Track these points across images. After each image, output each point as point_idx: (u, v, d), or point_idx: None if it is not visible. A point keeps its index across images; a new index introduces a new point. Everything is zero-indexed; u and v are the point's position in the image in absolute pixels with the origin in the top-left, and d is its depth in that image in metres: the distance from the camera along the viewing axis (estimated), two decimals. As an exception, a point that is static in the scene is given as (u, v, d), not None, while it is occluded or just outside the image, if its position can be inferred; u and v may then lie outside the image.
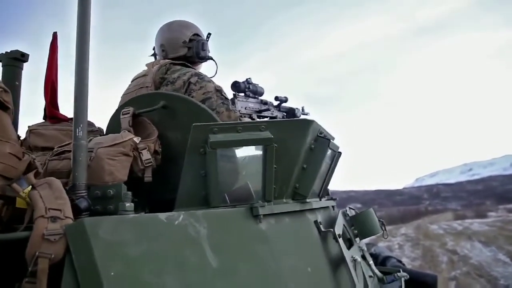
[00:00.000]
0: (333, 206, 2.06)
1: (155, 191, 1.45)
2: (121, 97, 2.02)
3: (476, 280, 9.11)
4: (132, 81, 2.03)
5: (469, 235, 16.37)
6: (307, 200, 1.57)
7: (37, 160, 1.48)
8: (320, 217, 1.69)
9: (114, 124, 1.68)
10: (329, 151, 1.60)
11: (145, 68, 2.01)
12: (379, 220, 1.94)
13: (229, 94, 2.56)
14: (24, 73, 1.75)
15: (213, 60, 2.21)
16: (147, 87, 1.89)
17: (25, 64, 1.74)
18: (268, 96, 2.85)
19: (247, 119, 2.57)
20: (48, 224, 0.84)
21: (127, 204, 1.05)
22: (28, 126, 1.74)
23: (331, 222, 1.71)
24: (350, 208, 2.12)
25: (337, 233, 1.60)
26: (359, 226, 1.83)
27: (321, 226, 1.61)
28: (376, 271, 1.94)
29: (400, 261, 3.05)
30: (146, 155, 1.41)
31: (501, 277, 9.16)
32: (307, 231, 1.56)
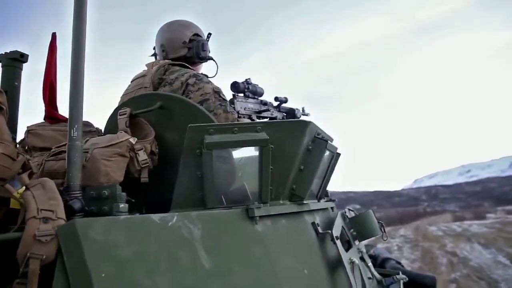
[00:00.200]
0: (332, 208, 2.05)
1: (152, 192, 1.45)
2: (121, 97, 2.02)
3: (477, 283, 9.06)
4: (131, 81, 2.03)
5: (468, 236, 16.36)
6: (305, 202, 1.57)
7: (34, 161, 1.49)
8: (318, 218, 1.68)
9: (112, 124, 1.68)
10: (327, 152, 1.59)
11: (145, 68, 2.01)
12: (378, 222, 1.93)
13: (229, 94, 2.55)
14: (23, 73, 1.75)
15: (214, 61, 2.20)
16: (145, 87, 1.89)
17: (24, 65, 1.74)
18: (268, 97, 2.84)
19: (246, 120, 2.56)
20: (40, 224, 0.83)
21: (121, 205, 1.05)
22: (27, 127, 1.74)
23: (330, 224, 1.70)
24: (349, 209, 2.12)
25: (335, 235, 1.59)
26: (358, 228, 1.82)
27: (318, 227, 1.61)
28: (375, 273, 1.94)
29: (399, 263, 3.05)
30: (142, 156, 1.40)
31: (502, 280, 9.13)
32: (304, 232, 1.55)
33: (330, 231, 1.59)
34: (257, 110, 2.75)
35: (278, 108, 2.95)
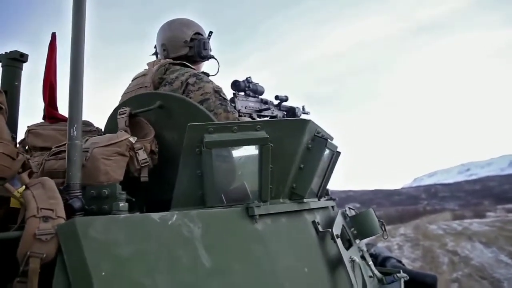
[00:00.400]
0: (332, 206, 2.05)
1: (152, 191, 1.45)
2: (121, 96, 2.02)
3: (479, 283, 8.96)
4: (132, 81, 2.02)
5: (469, 235, 16.34)
6: (305, 200, 1.57)
7: (35, 160, 1.49)
8: (318, 217, 1.68)
9: (112, 124, 1.68)
10: (327, 151, 1.59)
11: (146, 67, 2.01)
12: (379, 220, 1.93)
13: (229, 93, 2.55)
14: (23, 73, 1.75)
15: (215, 59, 2.20)
16: (146, 87, 1.89)
17: (24, 65, 1.74)
18: (268, 96, 2.84)
19: (247, 119, 2.56)
20: (40, 223, 0.84)
21: (121, 204, 1.05)
22: (27, 126, 1.74)
23: (330, 222, 1.70)
24: (350, 208, 2.11)
25: (335, 233, 1.59)
26: (359, 227, 1.82)
27: (319, 226, 1.61)
28: (376, 271, 1.94)
29: (400, 262, 3.05)
30: (142, 155, 1.40)
31: (504, 279, 9.02)
32: (304, 231, 1.55)
33: (330, 230, 1.59)
34: (258, 109, 2.75)
35: (278, 106, 2.95)
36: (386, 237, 2.05)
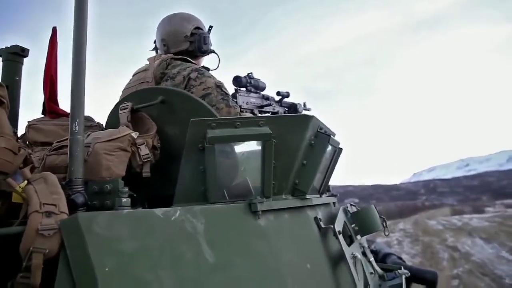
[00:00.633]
0: (334, 203, 2.05)
1: (154, 186, 1.45)
2: (122, 91, 2.01)
3: (480, 279, 8.91)
4: (133, 76, 2.02)
5: (469, 231, 16.34)
6: (307, 196, 1.56)
7: (36, 155, 1.48)
8: (320, 213, 1.68)
9: (114, 119, 1.67)
10: (330, 147, 1.58)
11: (147, 62, 2.00)
12: (380, 217, 1.93)
13: (231, 89, 2.54)
14: (24, 68, 1.74)
15: (216, 54, 2.19)
16: (147, 82, 1.88)
17: (25, 59, 1.74)
18: (268, 91, 2.83)
19: (248, 114, 2.55)
20: (43, 219, 0.83)
21: (124, 199, 1.05)
22: (28, 121, 1.74)
23: (332, 219, 1.70)
24: (351, 204, 2.11)
25: (337, 229, 1.59)
26: (360, 223, 1.82)
27: (321, 222, 1.61)
28: (377, 268, 1.94)
29: (400, 258, 3.05)
30: (144, 150, 1.40)
31: (506, 275, 8.98)
32: (306, 227, 1.55)
33: (332, 226, 1.59)
34: (259, 105, 2.74)
35: (280, 102, 2.94)
36: (387, 234, 2.05)
